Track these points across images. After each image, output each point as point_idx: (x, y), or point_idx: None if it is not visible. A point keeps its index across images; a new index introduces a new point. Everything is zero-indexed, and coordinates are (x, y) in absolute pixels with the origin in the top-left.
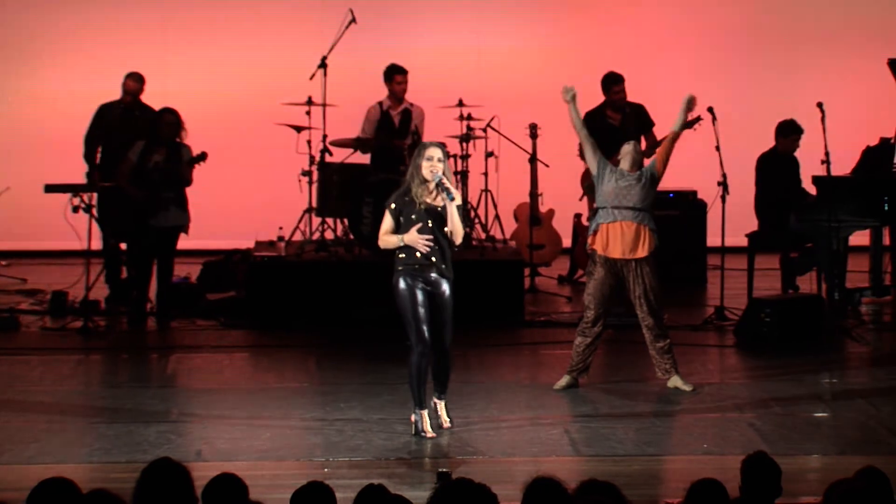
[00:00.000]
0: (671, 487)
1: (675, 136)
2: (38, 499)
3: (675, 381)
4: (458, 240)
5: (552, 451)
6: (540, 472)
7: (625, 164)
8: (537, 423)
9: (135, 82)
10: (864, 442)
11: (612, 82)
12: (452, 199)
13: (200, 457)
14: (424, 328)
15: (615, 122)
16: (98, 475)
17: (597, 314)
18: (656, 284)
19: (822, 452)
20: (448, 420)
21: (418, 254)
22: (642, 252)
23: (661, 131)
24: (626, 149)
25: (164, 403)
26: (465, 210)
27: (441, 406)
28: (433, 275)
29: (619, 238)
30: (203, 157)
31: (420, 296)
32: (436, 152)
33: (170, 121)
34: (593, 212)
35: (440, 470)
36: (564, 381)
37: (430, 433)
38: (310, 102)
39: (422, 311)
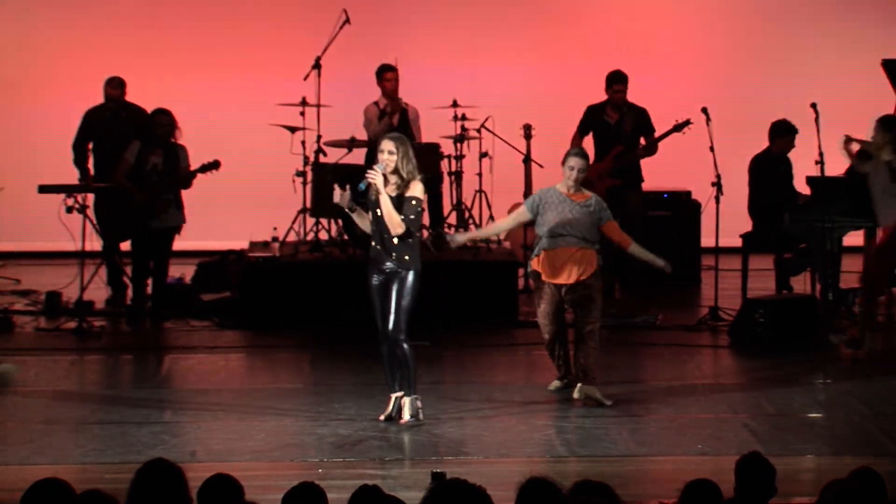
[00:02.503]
0: (665, 488)
1: (628, 245)
2: (32, 500)
3: (592, 392)
4: (393, 230)
5: (546, 451)
6: (534, 473)
7: (568, 188)
8: (531, 423)
9: (114, 88)
10: (858, 442)
11: (613, 80)
12: (359, 190)
13: (195, 457)
14: (378, 319)
15: (612, 121)
16: (92, 476)
17: (553, 334)
18: (600, 302)
19: (817, 453)
20: (408, 418)
21: (373, 242)
22: (584, 276)
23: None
24: (569, 176)
25: (158, 404)
26: (435, 208)
27: (405, 403)
28: (384, 265)
29: (563, 264)
30: (216, 164)
31: (373, 285)
32: (387, 145)
33: (164, 122)
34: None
35: (434, 470)
36: (556, 384)
37: (381, 417)
38: (304, 103)
39: (375, 300)
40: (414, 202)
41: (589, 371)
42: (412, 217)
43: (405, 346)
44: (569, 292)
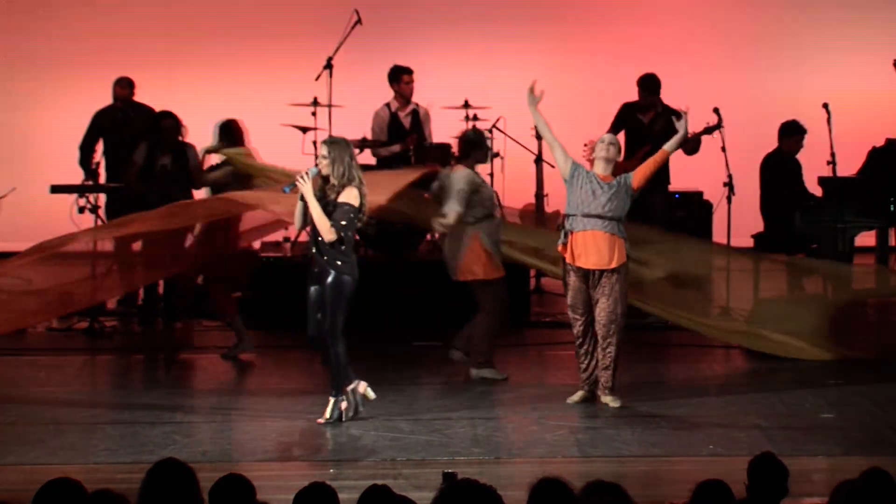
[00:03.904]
0: (677, 488)
1: (665, 156)
2: (44, 499)
3: (606, 399)
4: (324, 236)
5: (558, 451)
6: (546, 473)
7: (598, 167)
8: (543, 423)
9: (122, 88)
10: (870, 443)
11: (638, 86)
12: (283, 192)
13: (206, 457)
14: (308, 323)
15: (645, 120)
16: (103, 476)
17: (585, 324)
18: (624, 298)
19: (828, 453)
20: (327, 417)
21: (309, 245)
22: (613, 263)
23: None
24: (600, 150)
25: (169, 404)
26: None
27: (328, 404)
28: (316, 268)
29: (590, 248)
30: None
31: (310, 287)
32: (322, 148)
33: (169, 125)
34: (563, 218)
35: (446, 471)
36: (579, 395)
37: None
38: (315, 103)
39: (309, 305)
40: (345, 208)
41: (604, 381)
42: (343, 223)
43: (339, 346)
44: (593, 282)
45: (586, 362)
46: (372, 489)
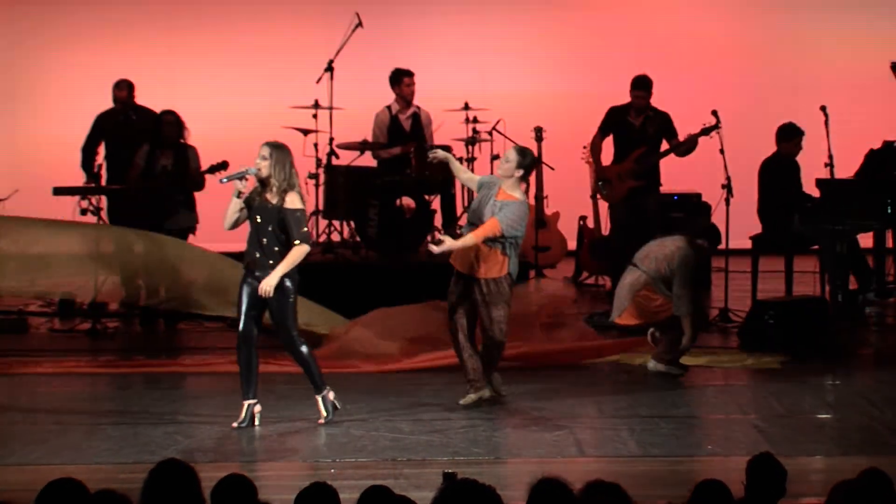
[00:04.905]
0: (676, 489)
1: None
2: (46, 499)
3: (496, 384)
4: (302, 257)
5: (557, 452)
6: (545, 473)
7: (506, 186)
8: (542, 424)
9: (120, 90)
10: (868, 443)
11: (634, 86)
12: (220, 182)
13: (207, 457)
14: (241, 320)
15: (636, 123)
16: (106, 476)
17: (452, 331)
18: (501, 307)
19: (826, 454)
20: (325, 415)
21: (250, 248)
22: (486, 273)
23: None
24: (502, 169)
25: (171, 404)
26: (448, 211)
27: (317, 402)
28: (260, 271)
29: (466, 254)
30: (224, 165)
31: (244, 289)
32: (262, 150)
33: (170, 121)
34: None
35: (445, 471)
36: (470, 398)
37: (234, 425)
38: (316, 106)
39: (242, 303)
40: (297, 215)
41: (481, 374)
42: (305, 230)
43: (302, 348)
44: (476, 289)
45: (465, 368)
46: (372, 489)
